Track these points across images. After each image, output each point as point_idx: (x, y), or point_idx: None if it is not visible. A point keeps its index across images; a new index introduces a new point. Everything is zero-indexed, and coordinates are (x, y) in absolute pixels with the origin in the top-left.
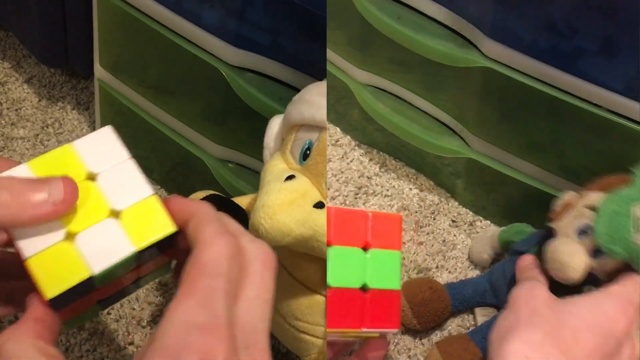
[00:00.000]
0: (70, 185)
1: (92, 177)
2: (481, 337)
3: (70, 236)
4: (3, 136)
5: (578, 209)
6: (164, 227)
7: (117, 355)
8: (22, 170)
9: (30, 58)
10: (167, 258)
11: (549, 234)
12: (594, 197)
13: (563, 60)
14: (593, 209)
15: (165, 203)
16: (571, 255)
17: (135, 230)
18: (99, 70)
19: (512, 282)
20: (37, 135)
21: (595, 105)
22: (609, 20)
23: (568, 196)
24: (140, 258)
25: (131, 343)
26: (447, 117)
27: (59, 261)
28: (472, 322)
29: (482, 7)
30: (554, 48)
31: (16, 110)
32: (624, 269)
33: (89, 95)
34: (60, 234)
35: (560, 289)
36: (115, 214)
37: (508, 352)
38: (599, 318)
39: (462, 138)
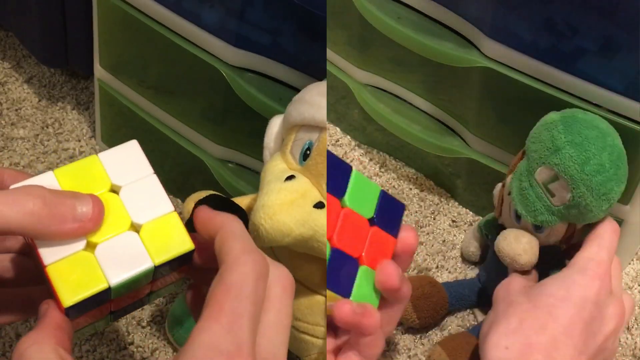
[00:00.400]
0: (98, 205)
1: (115, 190)
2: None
3: (90, 246)
4: (3, 136)
5: (504, 198)
6: (183, 244)
7: (117, 355)
8: (49, 179)
9: (30, 58)
10: (181, 274)
11: (501, 230)
12: (507, 181)
13: (563, 60)
14: (510, 193)
15: (194, 213)
16: (512, 245)
17: (154, 245)
18: (99, 71)
19: (497, 279)
20: (37, 135)
21: (595, 105)
22: (609, 20)
23: (497, 190)
24: (156, 272)
25: (131, 343)
26: (447, 117)
27: (77, 270)
28: (473, 322)
29: (482, 7)
30: (554, 48)
31: (16, 110)
32: (571, 227)
33: (89, 95)
34: (81, 244)
35: (546, 269)
36: (135, 227)
37: (489, 347)
38: (569, 289)
39: (462, 138)
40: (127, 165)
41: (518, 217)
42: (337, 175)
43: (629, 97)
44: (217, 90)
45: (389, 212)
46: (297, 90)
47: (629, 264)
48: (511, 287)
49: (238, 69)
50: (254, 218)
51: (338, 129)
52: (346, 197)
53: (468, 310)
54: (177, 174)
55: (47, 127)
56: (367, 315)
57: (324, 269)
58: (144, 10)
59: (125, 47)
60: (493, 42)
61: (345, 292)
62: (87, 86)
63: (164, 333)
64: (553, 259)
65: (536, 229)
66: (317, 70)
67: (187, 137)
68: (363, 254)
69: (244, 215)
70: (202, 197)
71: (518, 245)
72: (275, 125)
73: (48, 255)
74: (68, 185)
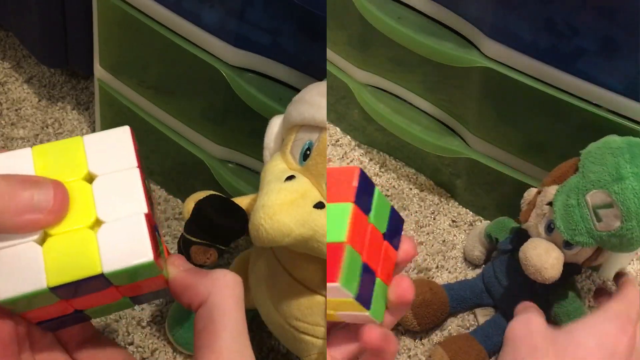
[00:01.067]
0: (61, 195)
1: (90, 178)
2: (483, 335)
3: (44, 238)
4: (3, 136)
5: (539, 206)
6: (142, 254)
7: None
8: (23, 157)
9: (30, 58)
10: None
11: (523, 235)
12: (550, 191)
13: (563, 60)
14: (551, 204)
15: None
16: (542, 257)
17: (109, 250)
18: (98, 71)
19: (502, 282)
20: (37, 135)
21: (595, 105)
22: (609, 20)
23: (528, 194)
24: (117, 279)
25: (131, 343)
26: (447, 117)
27: (20, 264)
28: (472, 322)
29: (482, 7)
30: (554, 48)
31: (16, 110)
32: (599, 251)
33: (89, 95)
34: (34, 235)
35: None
36: (98, 224)
37: None
38: (600, 340)
39: (462, 138)
40: (111, 153)
41: (550, 229)
42: (366, 192)
43: (629, 97)
44: (217, 90)
45: (395, 227)
46: (297, 91)
47: (629, 264)
48: (532, 328)
49: (238, 69)
50: (254, 218)
51: (338, 129)
52: (371, 214)
53: (468, 311)
54: (177, 173)
55: (47, 127)
56: (391, 342)
57: (324, 269)
58: (144, 10)
59: (125, 47)
60: (493, 42)
61: (368, 306)
62: (87, 86)
63: (164, 333)
64: (568, 276)
65: (566, 246)
66: (317, 70)
67: (187, 137)
68: (379, 268)
69: (243, 216)
70: (202, 197)
71: (547, 258)
72: (275, 125)
73: None
74: (41, 166)
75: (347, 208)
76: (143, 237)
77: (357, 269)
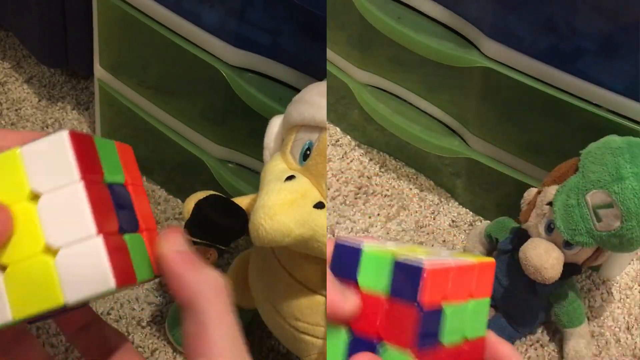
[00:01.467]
0: (3, 218)
1: (35, 197)
2: None
3: (2, 268)
4: None
5: (539, 206)
6: (103, 282)
7: None
8: None
9: (30, 58)
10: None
11: (523, 235)
12: (550, 191)
13: (563, 60)
14: (551, 204)
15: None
16: (542, 257)
17: (69, 279)
18: (98, 71)
19: (502, 282)
20: None
21: (595, 105)
22: (609, 20)
23: (528, 194)
24: (83, 303)
25: (131, 343)
26: (447, 117)
27: None
28: None
29: (482, 7)
30: (554, 48)
31: (16, 110)
32: (599, 251)
33: (89, 95)
34: None
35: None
36: (49, 250)
37: None
38: None
39: (462, 138)
40: (52, 166)
41: (550, 229)
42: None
43: (629, 97)
44: (217, 90)
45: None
46: (297, 91)
47: (629, 264)
48: None
49: (238, 69)
50: (254, 218)
51: (338, 129)
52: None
53: None
54: (177, 173)
55: (47, 127)
56: None
57: (323, 270)
58: (144, 11)
59: (125, 47)
60: (493, 42)
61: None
62: (87, 86)
63: (164, 333)
64: (568, 276)
65: (566, 246)
66: (317, 71)
67: (187, 137)
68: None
69: (243, 216)
70: (202, 197)
71: (548, 258)
72: (275, 125)
73: None
74: None
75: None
76: (102, 263)
77: None
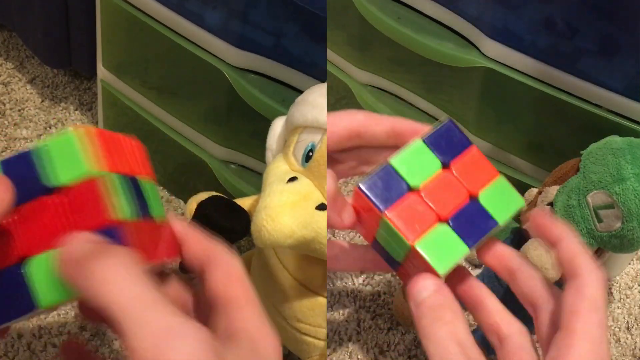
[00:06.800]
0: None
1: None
2: (483, 335)
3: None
4: (6, 137)
5: (539, 206)
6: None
7: (119, 356)
8: None
9: (34, 59)
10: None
11: (524, 235)
12: (551, 192)
13: (563, 60)
14: (551, 204)
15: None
16: (542, 257)
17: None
18: (101, 71)
19: (502, 282)
20: (40, 135)
21: (595, 105)
22: (609, 20)
23: (529, 195)
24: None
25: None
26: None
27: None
28: (472, 323)
29: (482, 7)
30: (554, 48)
31: (19, 110)
32: (599, 252)
33: (91, 96)
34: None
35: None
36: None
37: None
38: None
39: None
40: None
41: None
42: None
43: (629, 97)
44: (219, 91)
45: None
46: (300, 92)
47: (629, 264)
48: None
49: (241, 70)
50: (257, 219)
51: None
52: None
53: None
54: (179, 174)
55: (50, 128)
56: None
57: (325, 271)
58: (146, 11)
59: (128, 48)
60: (493, 42)
61: None
62: (90, 87)
63: None
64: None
65: None
66: (320, 72)
67: (189, 138)
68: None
69: (246, 217)
70: (204, 198)
71: (548, 258)
72: (277, 126)
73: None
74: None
75: None
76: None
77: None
